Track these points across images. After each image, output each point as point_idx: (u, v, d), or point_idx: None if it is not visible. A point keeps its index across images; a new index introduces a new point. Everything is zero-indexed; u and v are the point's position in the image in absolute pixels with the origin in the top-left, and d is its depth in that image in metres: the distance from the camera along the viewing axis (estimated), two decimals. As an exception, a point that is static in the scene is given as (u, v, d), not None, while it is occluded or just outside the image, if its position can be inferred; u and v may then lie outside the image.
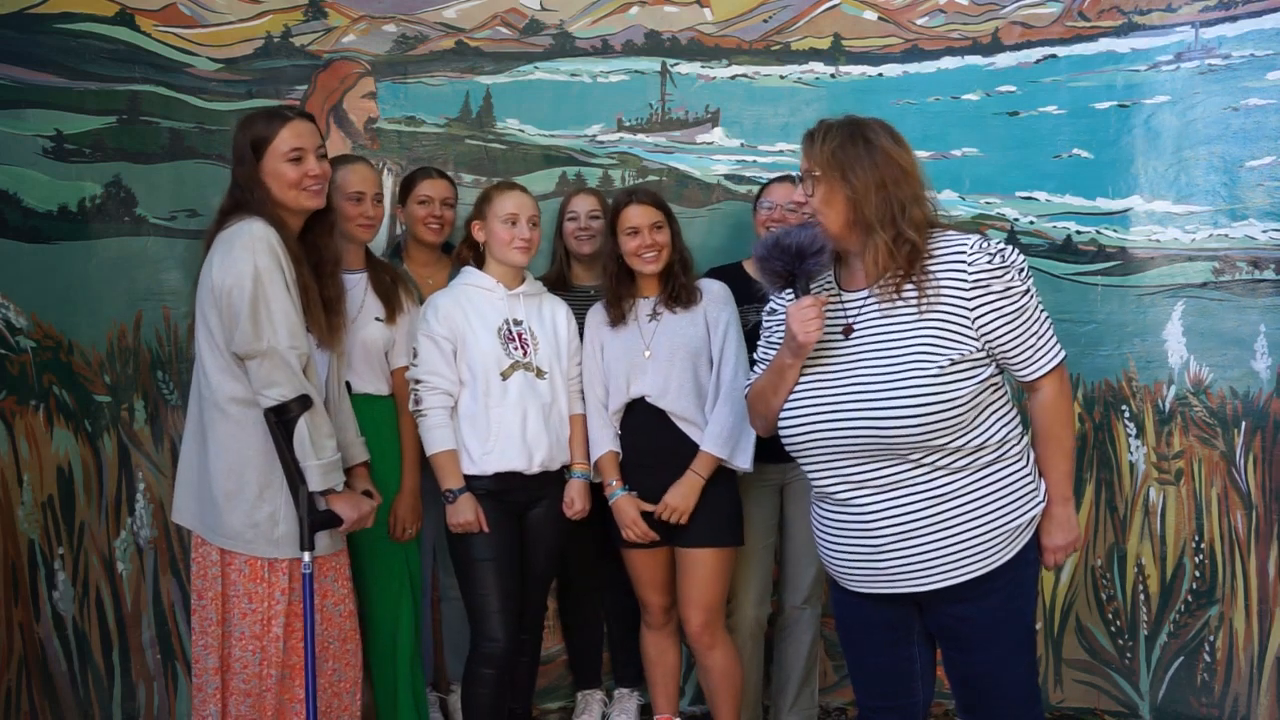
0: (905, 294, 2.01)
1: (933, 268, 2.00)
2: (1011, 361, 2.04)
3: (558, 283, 3.17)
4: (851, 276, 2.13)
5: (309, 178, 2.49)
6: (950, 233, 2.06)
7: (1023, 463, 2.06)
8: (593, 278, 3.22)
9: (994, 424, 2.02)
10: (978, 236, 2.05)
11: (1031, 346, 2.03)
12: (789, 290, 2.08)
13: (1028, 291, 2.01)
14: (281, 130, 2.47)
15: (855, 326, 2.06)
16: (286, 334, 2.35)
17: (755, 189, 3.27)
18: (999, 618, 2.05)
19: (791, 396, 2.08)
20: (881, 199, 2.00)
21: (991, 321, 1.99)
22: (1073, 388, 3.31)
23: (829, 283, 2.15)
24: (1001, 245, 2.03)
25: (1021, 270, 2.01)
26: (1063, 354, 2.07)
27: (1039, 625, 3.33)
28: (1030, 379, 2.06)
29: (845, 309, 2.09)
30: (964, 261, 1.99)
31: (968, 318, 1.98)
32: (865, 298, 2.07)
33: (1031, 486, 2.07)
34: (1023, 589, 2.08)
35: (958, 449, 1.98)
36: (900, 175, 2.02)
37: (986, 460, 2.01)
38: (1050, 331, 2.06)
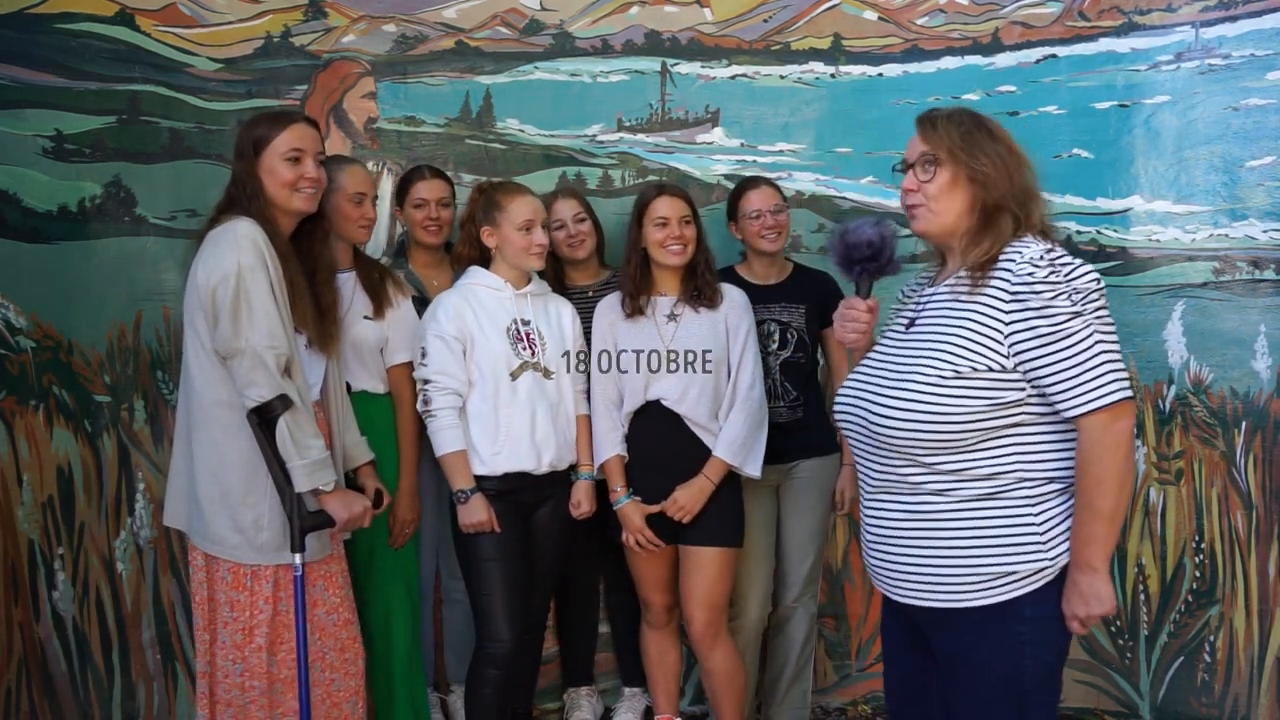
0: (965, 296, 1.89)
1: (991, 272, 1.87)
2: (1047, 391, 1.82)
3: (553, 288, 3.16)
4: (941, 272, 2.05)
5: (304, 179, 2.50)
6: (1027, 239, 1.89)
7: (1034, 511, 1.86)
8: (588, 277, 3.22)
9: (1001, 458, 1.85)
10: (1044, 247, 1.86)
11: (1070, 377, 1.79)
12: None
13: (1078, 314, 1.79)
14: (284, 130, 2.49)
15: (918, 321, 1.99)
16: (265, 333, 2.34)
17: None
18: (966, 666, 1.91)
19: (845, 381, 2.09)
20: (1009, 187, 1.92)
21: (1024, 340, 1.81)
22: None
23: (926, 276, 2.10)
24: (1066, 261, 1.84)
25: (1079, 292, 1.81)
26: (1116, 396, 1.78)
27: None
28: (1067, 415, 1.82)
29: (918, 303, 2.03)
30: (1010, 271, 1.84)
31: (1001, 331, 1.83)
32: (934, 294, 1.99)
33: (1035, 539, 1.85)
34: (1004, 648, 1.87)
35: (942, 471, 1.87)
36: (1022, 168, 1.94)
37: (976, 494, 1.86)
38: (1104, 367, 1.79)
